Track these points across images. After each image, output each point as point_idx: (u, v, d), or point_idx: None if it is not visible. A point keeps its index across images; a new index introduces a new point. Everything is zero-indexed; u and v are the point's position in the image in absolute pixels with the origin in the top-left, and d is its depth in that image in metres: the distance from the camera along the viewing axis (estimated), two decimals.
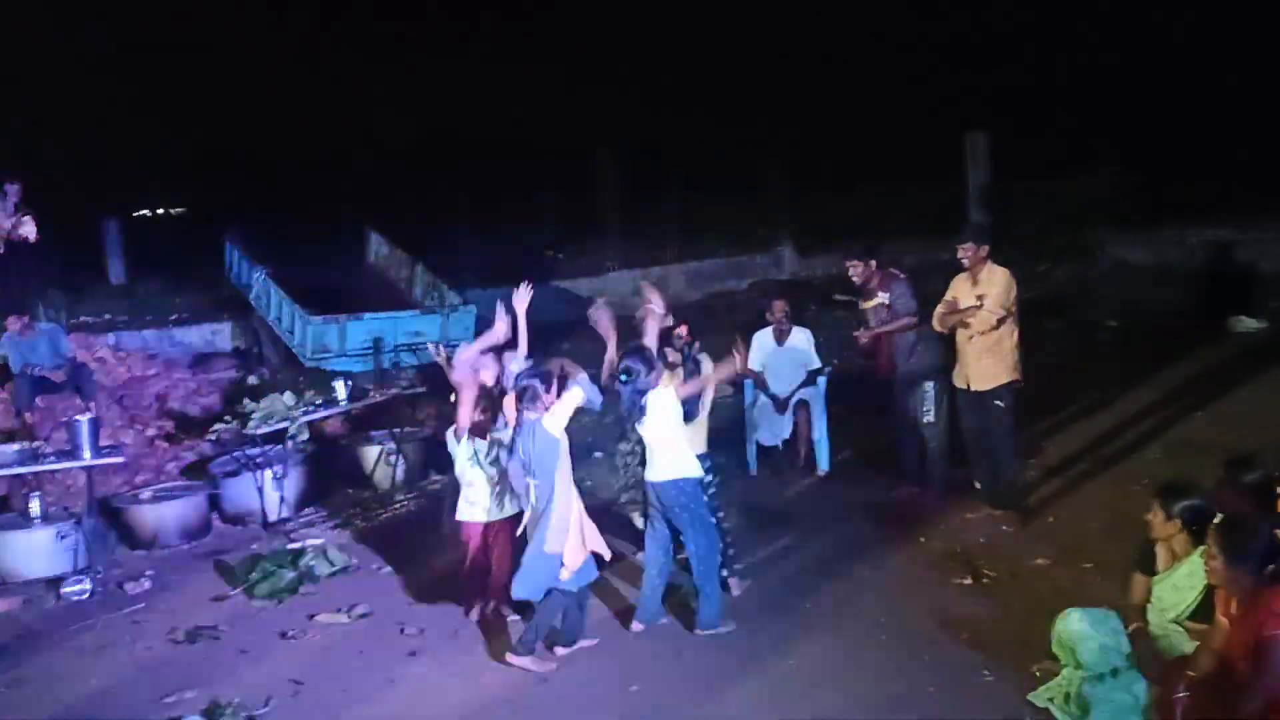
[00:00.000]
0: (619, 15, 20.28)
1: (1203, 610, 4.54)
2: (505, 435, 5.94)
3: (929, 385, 7.54)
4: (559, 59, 20.37)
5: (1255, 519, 4.39)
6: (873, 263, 7.82)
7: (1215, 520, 4.45)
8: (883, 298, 7.70)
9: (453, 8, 20.84)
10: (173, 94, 20.33)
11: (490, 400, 6.16)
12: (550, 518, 5.54)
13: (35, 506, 7.58)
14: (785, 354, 8.35)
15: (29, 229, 8.04)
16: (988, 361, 7.00)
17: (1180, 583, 4.64)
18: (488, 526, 6.19)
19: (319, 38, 21.10)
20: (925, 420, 7.60)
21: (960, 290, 7.14)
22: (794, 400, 8.32)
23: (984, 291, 6.98)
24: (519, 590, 5.61)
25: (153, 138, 20.15)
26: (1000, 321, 6.90)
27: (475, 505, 6.18)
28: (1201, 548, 4.55)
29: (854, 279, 7.88)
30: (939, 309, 7.23)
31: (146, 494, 8.42)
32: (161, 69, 20.22)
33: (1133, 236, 13.94)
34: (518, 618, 6.13)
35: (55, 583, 7.23)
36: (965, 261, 7.09)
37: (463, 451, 6.13)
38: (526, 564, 5.60)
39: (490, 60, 21.03)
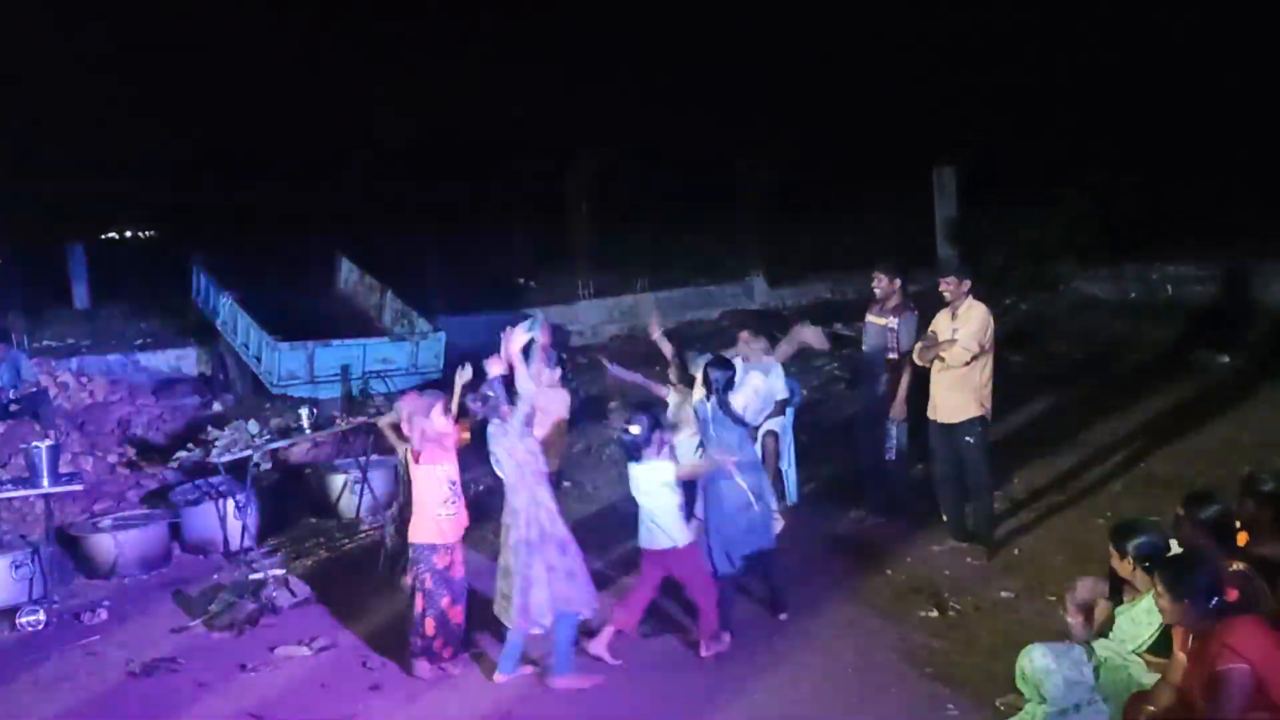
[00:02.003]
0: (591, 41, 20.40)
1: (1161, 644, 4.57)
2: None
3: (891, 423, 7.58)
4: (529, 86, 20.44)
5: (1198, 555, 4.42)
6: (898, 281, 7.76)
7: (1159, 560, 4.48)
8: (891, 322, 7.65)
9: (416, 33, 20.92)
10: (138, 115, 20.23)
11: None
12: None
13: None
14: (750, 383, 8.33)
15: None
16: (956, 395, 7.02)
17: (1139, 618, 4.67)
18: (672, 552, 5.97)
19: (291, 59, 21.07)
20: (888, 458, 7.63)
21: (940, 324, 7.17)
22: (762, 431, 8.30)
23: (960, 326, 7.01)
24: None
25: (119, 161, 20.01)
26: (974, 358, 6.93)
27: (671, 530, 5.94)
28: None
29: (875, 290, 7.80)
30: (919, 344, 7.26)
31: (106, 522, 8.29)
32: (128, 88, 20.12)
33: (1097, 271, 14.09)
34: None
35: (10, 613, 7.08)
36: (946, 295, 7.11)
37: (665, 475, 5.90)
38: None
39: (461, 85, 21.08)
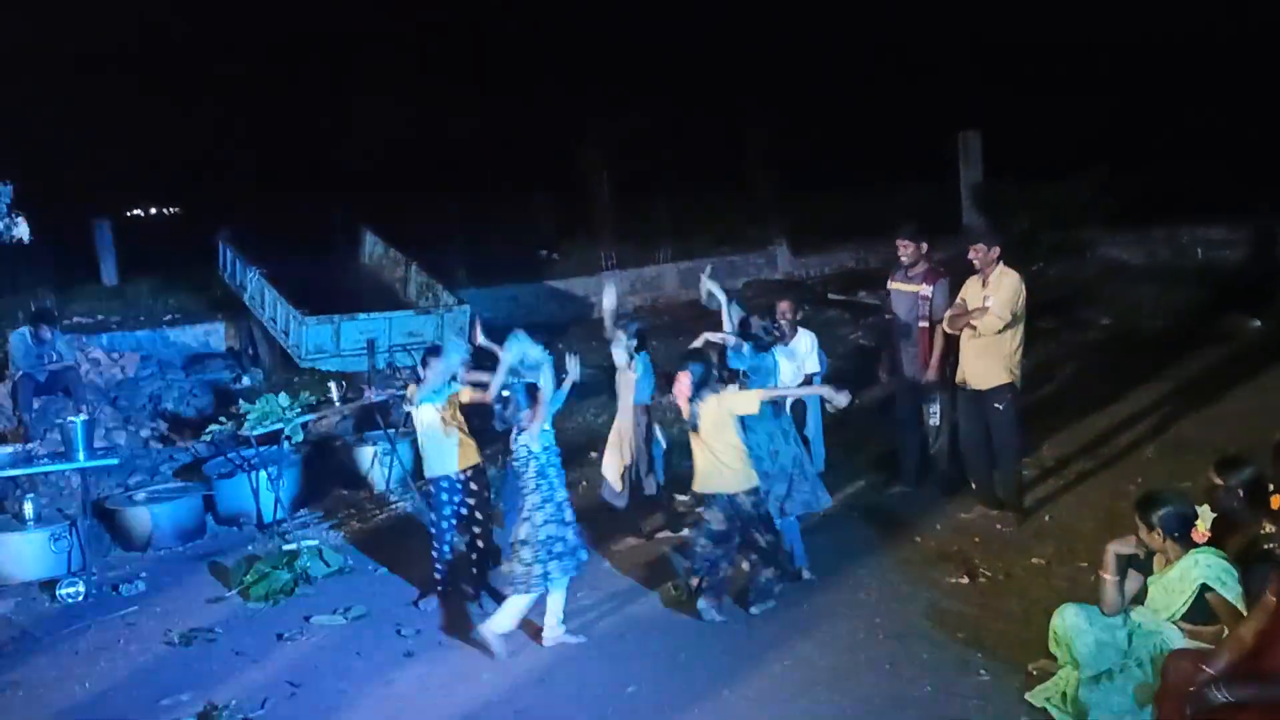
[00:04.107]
0: (609, 12, 20.26)
1: (1196, 611, 4.56)
2: None
3: (932, 391, 7.54)
4: (549, 57, 20.36)
5: None
6: (924, 246, 7.64)
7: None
8: (925, 290, 7.52)
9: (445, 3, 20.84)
10: (167, 92, 20.28)
11: None
12: None
13: (29, 509, 7.57)
14: (789, 354, 8.30)
15: (22, 230, 8.04)
16: (985, 361, 6.98)
17: (1171, 585, 4.66)
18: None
19: (313, 37, 21.05)
20: (930, 424, 7.60)
21: (970, 292, 7.11)
22: (789, 400, 8.28)
23: (992, 294, 6.95)
24: None
25: (146, 137, 20.10)
26: (1006, 326, 6.88)
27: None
28: (1192, 551, 4.57)
29: (902, 259, 7.65)
30: (949, 311, 7.20)
31: (141, 495, 8.41)
32: (154, 67, 20.17)
33: (1124, 235, 13.96)
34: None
35: (50, 585, 7.22)
36: (976, 262, 7.04)
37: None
38: None
39: (480, 59, 21.02)
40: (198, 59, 20.36)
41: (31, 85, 18.01)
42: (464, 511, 6.51)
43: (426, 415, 6.43)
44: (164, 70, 20.22)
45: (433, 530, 6.57)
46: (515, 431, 5.84)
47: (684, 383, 6.07)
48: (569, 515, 5.88)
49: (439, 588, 6.57)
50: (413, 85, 20.79)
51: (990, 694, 5.08)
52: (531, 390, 5.80)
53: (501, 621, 5.83)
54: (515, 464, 5.92)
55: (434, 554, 6.55)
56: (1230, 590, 4.45)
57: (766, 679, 5.41)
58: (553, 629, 5.94)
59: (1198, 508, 4.79)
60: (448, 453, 6.42)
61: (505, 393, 5.90)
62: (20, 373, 9.55)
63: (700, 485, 6.13)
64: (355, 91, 21.08)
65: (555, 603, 5.91)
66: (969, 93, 17.18)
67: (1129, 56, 16.55)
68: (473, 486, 6.52)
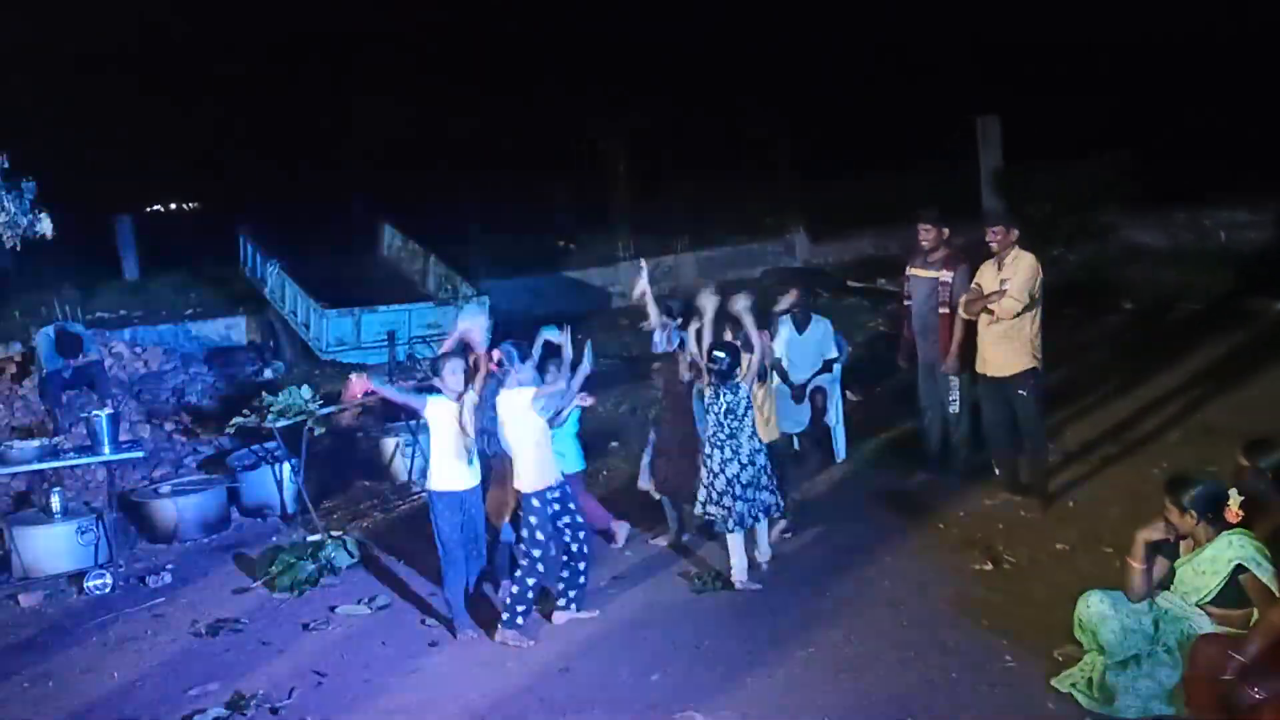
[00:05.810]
0: (612, 11, 20.16)
1: (1227, 596, 4.52)
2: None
3: (952, 377, 7.50)
4: (564, 47, 20.28)
5: None
6: (945, 231, 7.57)
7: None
8: (945, 275, 7.45)
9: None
10: (183, 88, 20.36)
11: None
12: None
13: (56, 502, 7.64)
14: (804, 343, 8.30)
15: (45, 226, 8.11)
16: (1005, 348, 6.93)
17: (1202, 567, 4.62)
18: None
19: (324, 34, 21.07)
20: (951, 410, 7.56)
21: (986, 276, 7.06)
22: (810, 387, 8.29)
23: (1008, 277, 6.90)
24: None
25: (164, 133, 20.19)
26: (1024, 309, 6.83)
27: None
28: (1224, 533, 4.53)
29: (923, 243, 7.58)
30: (965, 296, 7.15)
31: (166, 488, 8.49)
32: (169, 64, 20.25)
33: (1146, 219, 13.83)
34: None
35: (77, 577, 7.30)
36: (994, 245, 6.98)
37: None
38: None
39: (498, 48, 20.98)
40: (211, 54, 20.40)
41: (49, 83, 18.11)
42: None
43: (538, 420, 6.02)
44: (180, 66, 20.28)
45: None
46: (730, 380, 6.26)
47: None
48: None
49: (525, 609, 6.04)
50: (414, 83, 20.76)
51: (1016, 680, 5.06)
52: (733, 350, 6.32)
53: (740, 564, 6.31)
54: (732, 413, 6.28)
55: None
56: (1265, 571, 4.41)
57: (791, 666, 5.41)
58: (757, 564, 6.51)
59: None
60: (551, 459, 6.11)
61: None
62: (47, 369, 9.65)
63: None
64: (365, 88, 21.08)
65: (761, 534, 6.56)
66: (986, 78, 17.02)
67: (1146, 44, 16.37)
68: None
